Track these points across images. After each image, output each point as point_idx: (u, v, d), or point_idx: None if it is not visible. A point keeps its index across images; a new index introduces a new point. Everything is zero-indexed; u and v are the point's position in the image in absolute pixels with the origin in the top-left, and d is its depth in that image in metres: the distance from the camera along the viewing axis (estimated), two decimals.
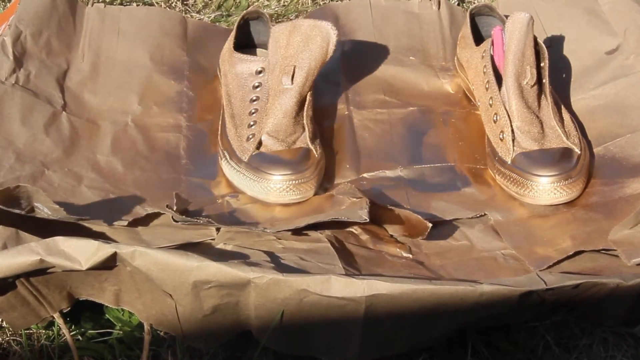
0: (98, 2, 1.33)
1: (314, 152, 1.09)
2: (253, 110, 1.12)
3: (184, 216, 0.98)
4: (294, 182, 1.06)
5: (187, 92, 1.22)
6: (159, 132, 1.16)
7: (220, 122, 1.16)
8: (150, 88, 1.22)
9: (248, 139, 1.10)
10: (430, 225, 0.98)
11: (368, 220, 0.97)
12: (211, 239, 0.99)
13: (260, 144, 1.09)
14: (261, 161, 1.08)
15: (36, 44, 1.21)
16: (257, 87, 1.13)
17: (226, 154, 1.11)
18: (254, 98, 1.13)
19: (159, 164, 1.12)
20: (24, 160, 1.08)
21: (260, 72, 1.14)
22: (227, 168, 1.11)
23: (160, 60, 1.26)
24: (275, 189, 1.06)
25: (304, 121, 1.11)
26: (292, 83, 1.10)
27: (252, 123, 1.11)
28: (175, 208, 0.99)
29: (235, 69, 1.16)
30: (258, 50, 1.25)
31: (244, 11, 1.24)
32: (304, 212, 1.06)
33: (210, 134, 1.17)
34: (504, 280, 0.88)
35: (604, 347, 0.96)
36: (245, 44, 1.23)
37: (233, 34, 1.21)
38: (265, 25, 1.23)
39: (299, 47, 1.10)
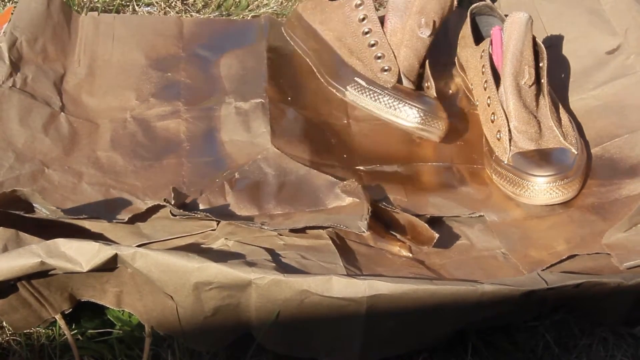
0: (92, 10, 1.34)
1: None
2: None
3: (181, 210, 0.98)
4: None
5: (184, 81, 1.23)
6: (158, 121, 1.17)
7: None
8: (146, 82, 1.22)
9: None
10: (437, 235, 0.99)
11: (366, 233, 0.98)
12: (212, 230, 1.00)
13: None
14: None
15: (32, 50, 1.21)
16: None
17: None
18: None
19: (160, 151, 1.12)
20: (24, 159, 1.08)
21: None
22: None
23: (156, 57, 1.26)
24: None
25: None
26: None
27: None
28: (173, 202, 0.99)
29: None
30: None
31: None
32: (304, 192, 1.06)
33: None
34: (505, 280, 0.88)
35: (604, 346, 0.96)
36: None
37: None
38: None
39: None
